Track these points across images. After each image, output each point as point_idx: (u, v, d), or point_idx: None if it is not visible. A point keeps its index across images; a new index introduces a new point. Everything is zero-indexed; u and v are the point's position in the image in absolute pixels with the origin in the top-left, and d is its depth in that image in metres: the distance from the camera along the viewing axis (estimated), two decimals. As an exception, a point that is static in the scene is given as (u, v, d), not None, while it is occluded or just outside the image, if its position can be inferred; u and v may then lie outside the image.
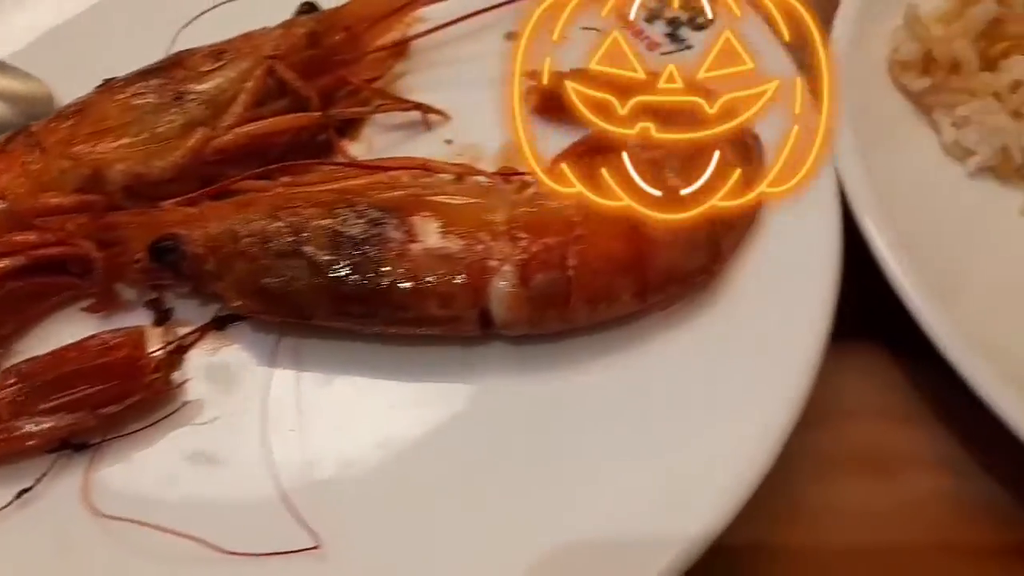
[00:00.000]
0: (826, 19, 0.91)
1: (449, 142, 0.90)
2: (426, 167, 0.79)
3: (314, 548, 0.65)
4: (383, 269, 0.71)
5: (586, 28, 0.86)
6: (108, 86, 0.82)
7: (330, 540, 0.66)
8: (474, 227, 0.72)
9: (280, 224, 0.72)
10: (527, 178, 0.81)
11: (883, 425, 0.79)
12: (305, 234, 0.71)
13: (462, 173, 0.79)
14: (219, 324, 0.77)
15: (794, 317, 0.74)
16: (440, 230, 0.72)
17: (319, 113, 0.82)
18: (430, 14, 0.95)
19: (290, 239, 0.72)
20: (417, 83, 0.95)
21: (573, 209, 0.74)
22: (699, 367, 0.74)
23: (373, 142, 0.90)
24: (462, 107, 0.92)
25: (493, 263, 0.71)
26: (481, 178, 0.80)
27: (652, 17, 0.97)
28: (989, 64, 0.91)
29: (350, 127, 0.90)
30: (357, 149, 0.89)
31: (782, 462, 0.73)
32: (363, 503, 0.69)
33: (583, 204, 0.74)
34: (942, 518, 0.75)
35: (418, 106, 0.89)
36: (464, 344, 0.76)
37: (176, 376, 0.74)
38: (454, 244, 0.71)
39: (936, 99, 0.90)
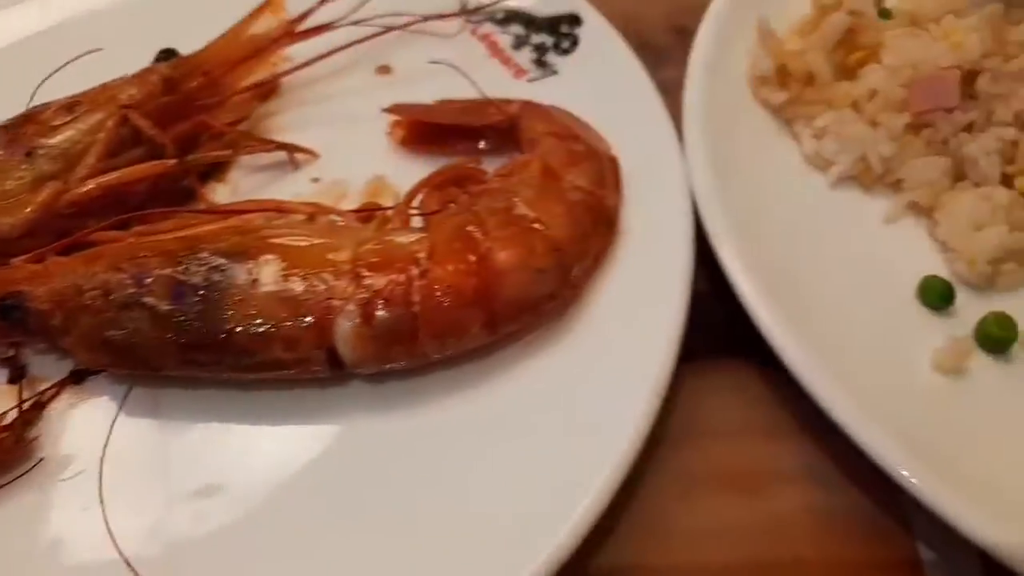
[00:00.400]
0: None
1: (316, 180, 0.90)
2: (279, 209, 0.79)
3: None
4: (225, 315, 0.71)
5: (433, 62, 0.88)
6: (-43, 146, 0.82)
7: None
8: (318, 267, 0.72)
9: (123, 275, 0.72)
10: (388, 213, 0.81)
11: (750, 441, 0.79)
12: (146, 284, 0.71)
13: (315, 213, 0.80)
14: (76, 378, 0.77)
15: (645, 341, 0.75)
16: (283, 272, 0.72)
17: (174, 160, 0.82)
18: (298, 52, 0.96)
19: (132, 290, 0.71)
20: (287, 122, 0.96)
21: (419, 245, 0.74)
22: (552, 394, 0.74)
23: (239, 184, 0.90)
24: (331, 144, 0.92)
25: (336, 303, 0.71)
26: (335, 217, 0.80)
27: (519, 44, 0.98)
28: (848, 74, 0.92)
29: (216, 171, 0.90)
30: (222, 192, 0.89)
31: (646, 482, 0.74)
32: (216, 558, 0.68)
33: (429, 239, 0.74)
34: (811, 533, 0.75)
35: (283, 146, 0.90)
36: (322, 385, 0.76)
37: (30, 433, 0.73)
38: (297, 286, 0.71)
39: (795, 111, 0.91)
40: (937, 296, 0.81)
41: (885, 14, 0.94)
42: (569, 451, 0.70)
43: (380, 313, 0.71)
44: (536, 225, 0.76)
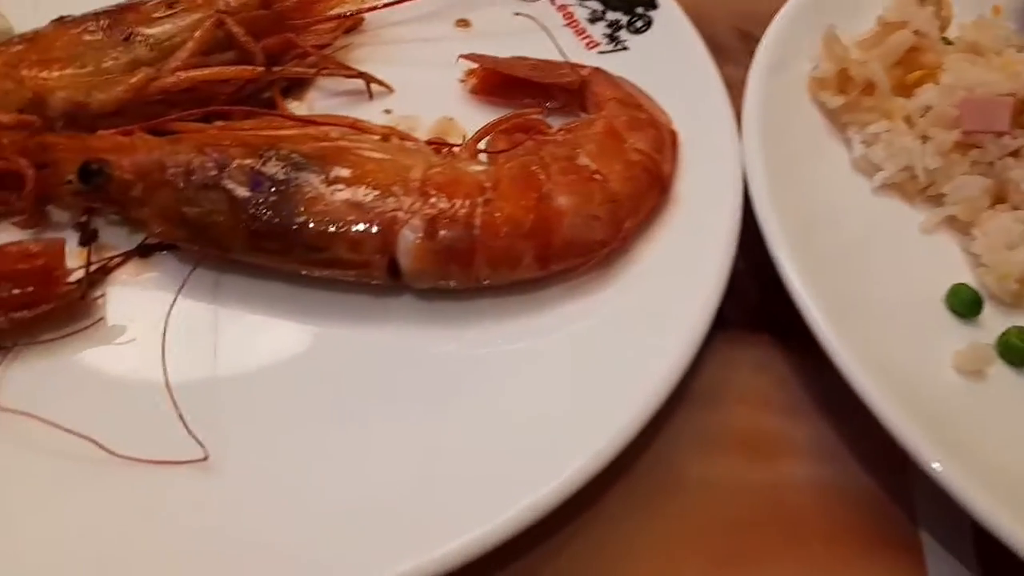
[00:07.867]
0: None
1: (388, 112, 0.94)
2: (355, 126, 0.83)
3: (203, 460, 0.68)
4: (297, 209, 0.74)
5: (519, 14, 0.92)
6: (61, 21, 0.86)
7: (217, 454, 0.69)
8: (389, 181, 0.76)
9: (206, 159, 0.76)
10: (455, 150, 0.85)
11: (767, 412, 0.83)
12: (228, 169, 0.75)
13: (389, 135, 0.83)
14: (143, 252, 0.80)
15: (684, 299, 0.78)
16: (356, 179, 0.76)
17: (261, 68, 0.86)
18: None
19: (213, 173, 0.75)
20: (365, 55, 1.00)
21: (486, 176, 0.78)
22: (589, 336, 0.78)
23: (315, 106, 0.94)
24: (405, 82, 0.96)
25: (403, 215, 0.75)
26: (408, 142, 0.84)
27: (594, 18, 1.02)
28: (904, 91, 0.96)
29: (295, 89, 0.94)
30: (298, 110, 0.93)
31: (665, 434, 0.78)
32: (252, 424, 0.72)
33: (495, 173, 0.78)
34: (815, 503, 0.78)
35: (362, 75, 0.94)
36: (376, 294, 0.80)
37: (93, 293, 0.77)
38: (368, 194, 0.75)
39: (850, 116, 0.95)
40: (964, 304, 0.84)
41: (947, 42, 0.99)
42: (597, 391, 0.74)
43: (443, 231, 0.75)
44: (596, 176, 0.80)
